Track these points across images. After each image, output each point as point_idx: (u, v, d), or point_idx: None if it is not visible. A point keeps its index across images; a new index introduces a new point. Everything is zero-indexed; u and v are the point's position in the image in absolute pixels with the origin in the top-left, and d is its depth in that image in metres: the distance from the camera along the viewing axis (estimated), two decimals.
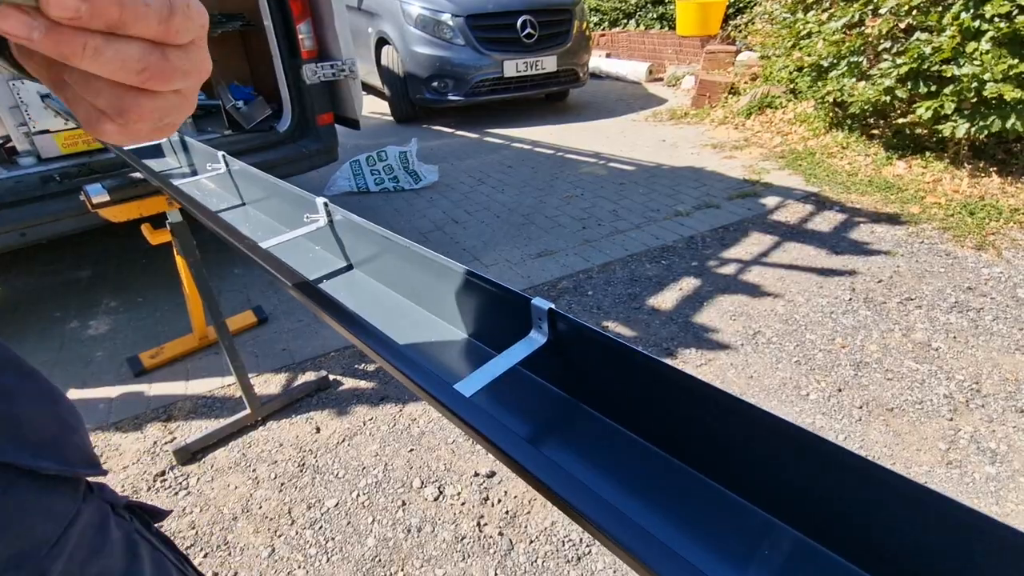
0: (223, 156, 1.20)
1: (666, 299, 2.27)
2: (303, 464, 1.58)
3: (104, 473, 0.46)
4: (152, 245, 1.59)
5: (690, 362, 1.90)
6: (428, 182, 3.65)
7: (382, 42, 5.23)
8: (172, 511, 1.30)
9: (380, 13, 5.14)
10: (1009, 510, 1.35)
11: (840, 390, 1.74)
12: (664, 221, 2.97)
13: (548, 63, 5.02)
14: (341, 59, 2.66)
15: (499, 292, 0.60)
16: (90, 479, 0.47)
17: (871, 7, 3.24)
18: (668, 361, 1.88)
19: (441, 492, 1.48)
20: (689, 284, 2.36)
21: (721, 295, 2.27)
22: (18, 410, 0.40)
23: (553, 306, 0.55)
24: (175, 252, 1.64)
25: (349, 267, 0.89)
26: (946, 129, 2.95)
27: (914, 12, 3.04)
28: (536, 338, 0.57)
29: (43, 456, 0.40)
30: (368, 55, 5.39)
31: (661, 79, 6.67)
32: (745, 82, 4.98)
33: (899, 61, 3.08)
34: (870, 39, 3.28)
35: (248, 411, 1.72)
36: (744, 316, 2.12)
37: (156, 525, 0.56)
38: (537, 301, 0.55)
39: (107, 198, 1.42)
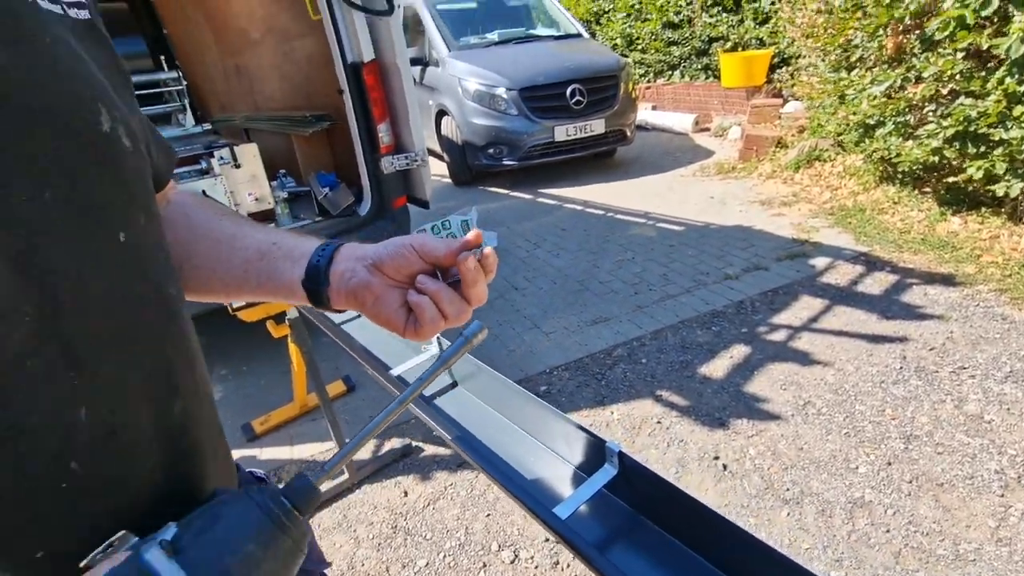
0: None
1: (717, 367, 2.41)
2: (396, 526, 1.82)
3: (329, 565, 0.70)
4: (275, 338, 1.92)
5: (742, 433, 2.03)
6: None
7: (442, 113, 5.72)
8: None
9: (440, 88, 5.64)
10: None
11: (890, 463, 1.82)
12: (713, 285, 3.12)
13: (596, 126, 5.33)
14: (415, 151, 3.02)
15: (581, 431, 0.82)
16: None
17: (913, 72, 3.35)
18: (720, 432, 2.03)
19: (516, 555, 1.67)
20: (739, 351, 2.49)
21: (771, 363, 2.39)
22: None
23: (622, 448, 0.76)
24: (290, 341, 1.96)
25: (454, 384, 1.13)
26: (999, 189, 2.99)
27: (956, 77, 3.13)
28: (609, 470, 0.78)
29: None
30: (429, 123, 5.89)
31: (707, 130, 6.85)
32: (792, 135, 5.09)
33: (944, 123, 3.16)
34: (914, 102, 3.37)
35: (346, 475, 1.99)
36: (794, 385, 2.24)
37: None
38: (611, 444, 0.77)
39: (243, 303, 1.76)
